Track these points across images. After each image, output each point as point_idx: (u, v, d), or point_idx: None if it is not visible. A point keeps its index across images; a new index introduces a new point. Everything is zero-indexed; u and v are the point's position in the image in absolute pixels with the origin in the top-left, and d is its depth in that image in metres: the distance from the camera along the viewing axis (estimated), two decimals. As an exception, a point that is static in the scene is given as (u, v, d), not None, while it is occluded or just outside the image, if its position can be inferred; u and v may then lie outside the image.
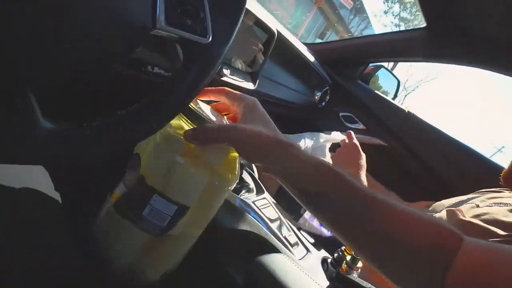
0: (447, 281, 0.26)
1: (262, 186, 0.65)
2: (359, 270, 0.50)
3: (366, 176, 0.99)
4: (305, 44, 1.16)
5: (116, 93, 0.49)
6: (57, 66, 0.19)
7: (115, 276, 0.40)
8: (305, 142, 1.06)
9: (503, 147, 14.90)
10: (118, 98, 0.50)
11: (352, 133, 0.83)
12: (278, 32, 0.74)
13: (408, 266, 0.29)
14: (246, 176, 0.66)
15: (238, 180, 0.63)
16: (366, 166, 0.78)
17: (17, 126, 0.18)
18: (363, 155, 0.78)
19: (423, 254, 0.28)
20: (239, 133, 0.32)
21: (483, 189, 0.76)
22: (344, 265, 0.49)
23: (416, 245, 0.28)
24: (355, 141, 0.80)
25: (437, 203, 0.75)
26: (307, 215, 0.77)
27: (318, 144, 1.05)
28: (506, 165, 0.90)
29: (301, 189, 0.32)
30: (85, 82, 0.29)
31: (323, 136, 1.07)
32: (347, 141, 0.82)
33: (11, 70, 0.18)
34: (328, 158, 0.96)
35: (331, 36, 11.36)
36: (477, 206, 0.60)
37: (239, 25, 0.30)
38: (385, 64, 1.36)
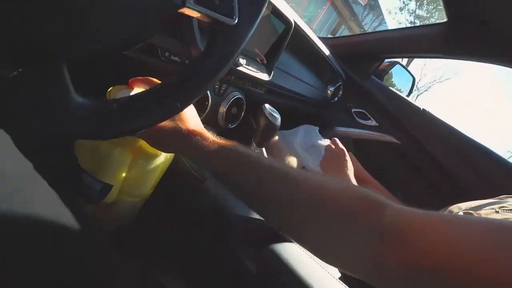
0: (381, 245, 0.24)
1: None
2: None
3: (366, 177, 0.99)
4: (320, 38, 1.15)
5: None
6: (92, 39, 0.19)
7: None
8: (302, 135, 1.07)
9: (517, 151, 14.48)
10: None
11: (337, 139, 0.86)
12: (295, 23, 0.73)
13: (337, 237, 0.27)
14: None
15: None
16: (353, 170, 0.82)
17: (53, 98, 0.19)
18: (349, 160, 0.82)
19: (350, 220, 0.26)
20: None
21: (501, 193, 0.74)
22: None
23: (339, 212, 0.27)
24: (341, 146, 0.84)
25: (454, 205, 0.74)
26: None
27: (316, 142, 1.06)
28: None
29: (210, 170, 0.35)
30: (113, 59, 0.29)
31: (319, 136, 1.10)
32: (333, 147, 0.85)
33: (48, 40, 0.18)
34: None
35: (344, 33, 11.18)
36: (497, 212, 0.58)
37: (264, 8, 0.30)
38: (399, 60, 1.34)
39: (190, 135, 0.36)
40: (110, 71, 0.49)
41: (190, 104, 0.27)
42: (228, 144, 0.35)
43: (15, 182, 0.26)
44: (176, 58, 0.52)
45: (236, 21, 0.27)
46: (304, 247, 0.30)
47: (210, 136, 0.37)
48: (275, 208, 0.31)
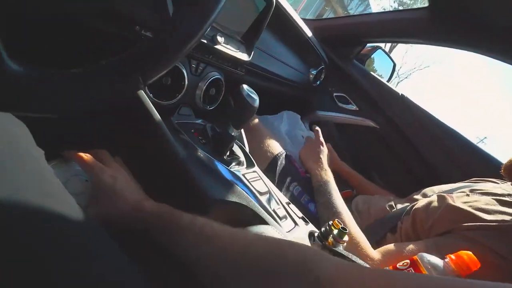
0: None
1: (253, 159, 0.64)
2: (345, 244, 0.50)
3: (342, 166, 1.03)
4: (303, 19, 1.12)
5: (95, 49, 0.45)
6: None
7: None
8: (286, 121, 1.08)
9: (485, 137, 15.41)
10: (97, 53, 0.46)
11: (319, 131, 0.94)
12: (276, 1, 0.69)
13: None
14: (236, 149, 0.65)
15: (228, 153, 0.62)
16: (330, 161, 0.90)
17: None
18: (326, 152, 0.89)
19: (281, 279, 0.26)
20: None
21: (472, 177, 0.78)
22: (330, 239, 0.50)
23: (268, 272, 0.27)
24: (321, 138, 0.92)
25: (427, 188, 0.77)
26: (296, 191, 0.78)
27: (298, 132, 1.08)
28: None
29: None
30: (63, 26, 0.25)
31: (302, 125, 1.13)
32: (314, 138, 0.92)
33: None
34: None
35: (329, 16, 11.06)
36: (467, 195, 0.62)
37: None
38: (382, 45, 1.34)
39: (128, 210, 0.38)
40: (67, 42, 0.44)
41: (153, 79, 0.25)
42: (162, 212, 0.37)
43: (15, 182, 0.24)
44: (148, 33, 0.48)
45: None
46: None
47: (148, 206, 0.38)
48: (211, 272, 0.30)
